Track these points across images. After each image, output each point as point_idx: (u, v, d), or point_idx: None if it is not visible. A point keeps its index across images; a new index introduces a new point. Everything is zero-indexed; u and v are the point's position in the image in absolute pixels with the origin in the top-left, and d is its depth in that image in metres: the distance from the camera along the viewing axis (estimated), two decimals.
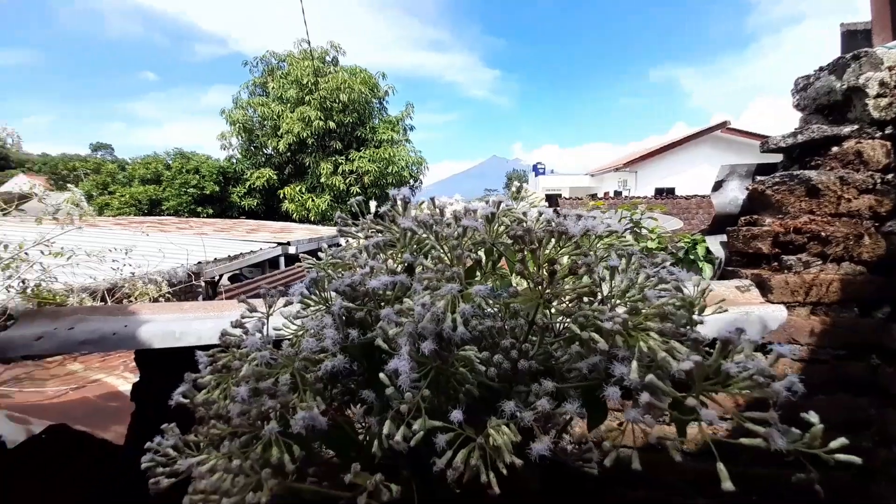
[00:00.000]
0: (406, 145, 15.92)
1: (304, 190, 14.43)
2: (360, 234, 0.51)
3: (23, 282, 2.82)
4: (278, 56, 15.73)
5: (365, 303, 0.45)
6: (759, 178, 1.25)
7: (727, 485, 0.29)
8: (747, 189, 1.29)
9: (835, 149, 1.13)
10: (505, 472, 0.35)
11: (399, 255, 0.45)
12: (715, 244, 1.40)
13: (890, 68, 1.08)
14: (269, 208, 14.97)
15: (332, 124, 14.32)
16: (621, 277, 0.42)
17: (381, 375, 0.38)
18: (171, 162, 14.76)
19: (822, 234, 1.10)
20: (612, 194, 16.12)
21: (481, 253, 0.45)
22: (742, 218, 1.21)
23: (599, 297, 0.41)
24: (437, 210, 0.47)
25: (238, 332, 0.51)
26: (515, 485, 0.51)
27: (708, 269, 1.87)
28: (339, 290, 0.44)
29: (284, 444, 0.40)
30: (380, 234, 0.48)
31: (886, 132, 1.10)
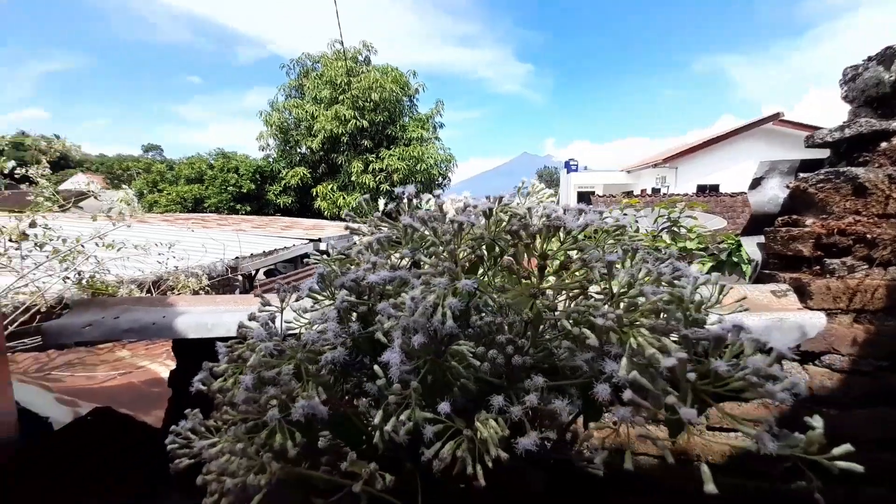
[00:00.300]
0: (435, 143, 16.03)
1: (335, 188, 14.82)
2: (366, 231, 0.52)
3: (79, 273, 3.04)
4: (313, 58, 16.19)
5: (369, 297, 0.46)
6: (802, 175, 1.18)
7: (709, 487, 0.28)
8: (788, 187, 1.22)
9: (884, 144, 1.05)
10: (490, 465, 0.35)
11: (401, 251, 0.46)
12: (751, 245, 1.33)
13: None
14: (303, 206, 15.47)
15: (364, 123, 14.61)
16: (624, 273, 0.41)
17: (376, 367, 0.39)
18: (213, 162, 15.57)
19: (869, 236, 1.02)
20: (649, 191, 15.53)
21: (485, 249, 0.46)
22: (779, 218, 1.15)
23: (597, 292, 0.40)
24: (437, 207, 0.48)
25: (254, 324, 0.54)
26: (519, 484, 0.51)
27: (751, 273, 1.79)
28: (343, 284, 0.46)
29: (289, 431, 0.42)
30: (384, 231, 0.49)
31: None
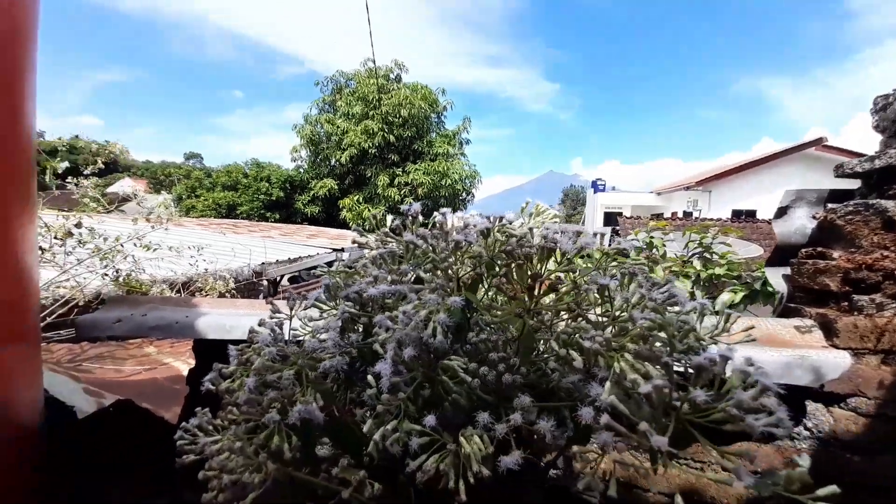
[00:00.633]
0: (461, 159, 16.27)
1: (360, 200, 15.19)
2: (373, 245, 0.54)
3: (116, 271, 3.19)
4: (346, 75, 16.83)
5: (371, 309, 0.48)
6: (830, 206, 1.14)
7: None
8: (815, 217, 1.18)
9: None
10: (472, 480, 0.35)
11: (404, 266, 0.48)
12: (776, 277, 1.29)
13: None
14: (329, 216, 15.92)
15: (391, 137, 15.00)
16: (619, 297, 0.41)
17: (370, 377, 0.40)
18: (248, 171, 16.30)
19: None
20: (680, 214, 15.12)
21: (484, 267, 0.47)
22: (803, 250, 1.11)
23: (589, 314, 0.41)
24: (439, 225, 0.49)
25: (263, 330, 0.57)
26: None
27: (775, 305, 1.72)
28: (346, 296, 0.48)
29: (287, 434, 0.44)
30: (390, 246, 0.51)
31: None
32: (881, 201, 1.00)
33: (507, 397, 0.42)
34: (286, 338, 0.50)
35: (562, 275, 0.42)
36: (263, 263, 4.34)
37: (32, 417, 0.98)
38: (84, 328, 1.29)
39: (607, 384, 0.34)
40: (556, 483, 0.60)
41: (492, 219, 0.47)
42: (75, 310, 2.72)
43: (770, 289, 1.90)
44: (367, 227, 0.56)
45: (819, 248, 1.07)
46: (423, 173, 15.00)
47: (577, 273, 0.42)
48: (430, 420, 0.38)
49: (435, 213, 0.55)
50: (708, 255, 2.41)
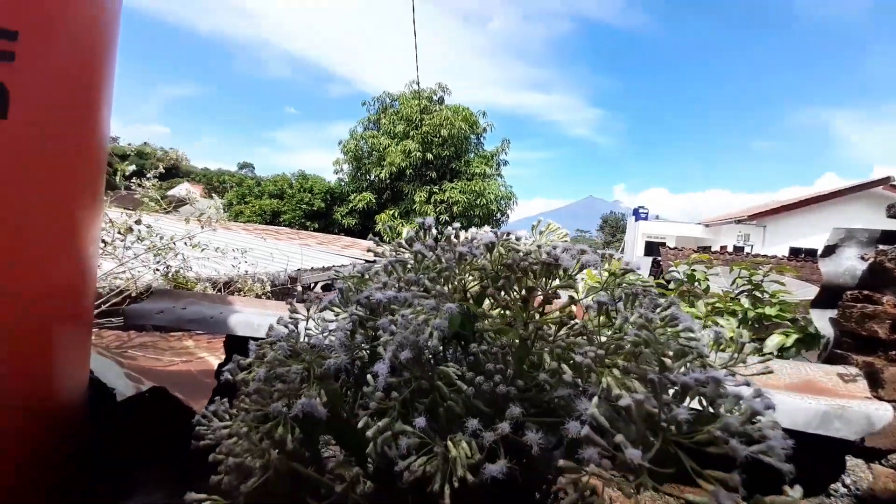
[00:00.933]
0: (497, 179, 16.38)
1: (396, 215, 15.55)
2: (388, 254, 0.57)
3: (167, 267, 3.42)
4: (392, 96, 17.49)
5: (380, 313, 0.50)
6: (881, 247, 1.07)
7: None
8: (863, 258, 1.10)
9: None
10: (456, 484, 0.36)
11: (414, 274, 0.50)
12: (822, 320, 1.20)
13: None
14: (365, 228, 16.40)
15: (429, 156, 15.36)
16: (621, 316, 0.41)
17: (368, 377, 0.42)
18: (294, 181, 17.11)
19: None
20: (729, 248, 14.34)
21: (490, 280, 0.48)
22: (850, 292, 1.04)
23: (593, 332, 0.41)
24: (446, 238, 0.51)
25: (280, 327, 0.60)
26: None
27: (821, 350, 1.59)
28: (358, 301, 0.50)
29: (292, 427, 0.46)
30: (401, 256, 0.53)
31: None
32: None
33: (502, 409, 0.43)
34: (300, 336, 0.53)
35: (566, 291, 0.42)
36: (299, 269, 4.51)
37: (78, 394, 1.05)
38: (131, 316, 1.39)
39: (595, 399, 0.34)
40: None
41: (498, 234, 0.48)
42: (127, 300, 2.93)
43: (812, 331, 1.77)
44: (384, 238, 0.59)
45: (867, 292, 1.00)
46: (460, 192, 15.21)
47: (581, 290, 0.42)
48: (420, 422, 0.39)
49: (448, 228, 0.57)
50: (758, 294, 2.27)
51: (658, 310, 0.42)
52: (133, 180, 3.50)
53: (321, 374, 0.47)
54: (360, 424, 0.41)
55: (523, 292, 0.41)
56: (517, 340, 0.42)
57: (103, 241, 3.03)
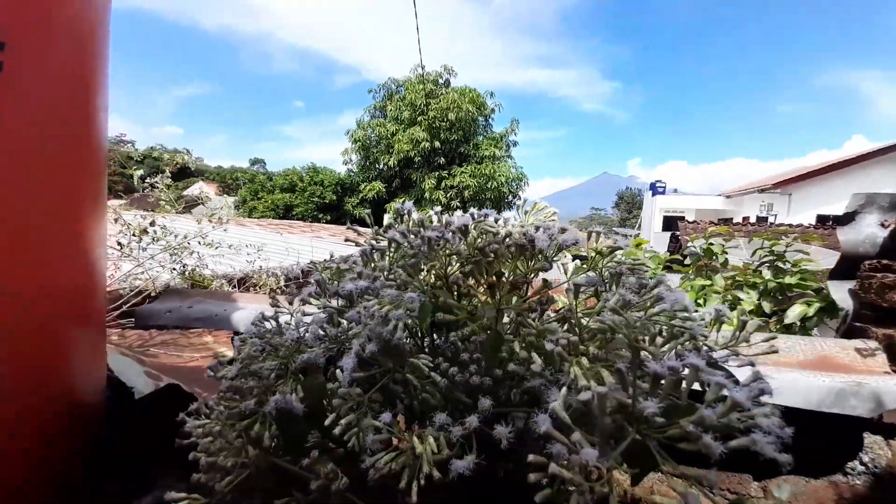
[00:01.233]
0: (507, 161, 16.15)
1: (406, 203, 15.62)
2: (364, 243, 0.55)
3: (183, 266, 3.50)
4: (397, 82, 17.30)
5: (355, 305, 0.48)
6: None
7: None
8: (884, 225, 1.03)
9: None
10: (422, 482, 0.34)
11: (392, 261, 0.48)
12: (841, 292, 1.14)
13: None
14: (377, 217, 16.51)
15: (437, 143, 15.21)
16: (603, 298, 0.38)
17: (337, 372, 0.41)
18: (304, 174, 17.26)
19: None
20: (753, 220, 13.85)
21: (468, 265, 0.45)
22: (868, 262, 0.97)
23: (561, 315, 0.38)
24: (419, 223, 0.49)
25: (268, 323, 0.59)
26: None
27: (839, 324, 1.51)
28: (335, 293, 0.48)
29: (271, 423, 0.45)
30: (380, 244, 0.51)
31: None
32: None
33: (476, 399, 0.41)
34: (277, 330, 0.52)
35: (544, 273, 0.39)
36: (312, 262, 4.56)
37: (94, 394, 1.08)
38: (142, 317, 1.42)
39: (563, 389, 0.31)
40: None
41: (475, 216, 0.46)
42: (147, 300, 3.02)
43: (824, 304, 1.69)
44: (363, 225, 0.57)
45: (886, 261, 0.94)
46: (470, 176, 15.06)
47: (568, 272, 0.39)
48: (385, 417, 0.37)
49: (431, 212, 0.54)
50: (780, 265, 2.18)
51: (645, 290, 0.39)
52: (148, 181, 3.59)
53: (298, 370, 0.46)
54: (326, 422, 0.39)
55: (492, 278, 0.39)
56: (488, 329, 0.39)
57: (119, 243, 3.10)
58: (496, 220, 0.47)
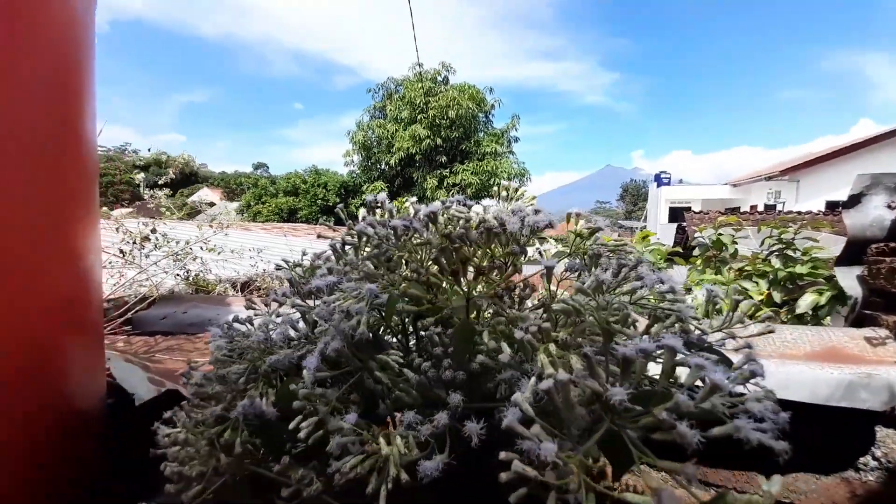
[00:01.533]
0: (509, 157, 16.11)
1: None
2: (337, 238, 0.53)
3: (187, 271, 3.52)
4: (396, 81, 17.30)
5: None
6: None
7: None
8: (891, 206, 0.99)
9: None
10: (390, 485, 0.32)
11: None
12: (849, 278, 1.10)
13: None
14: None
15: (438, 140, 15.19)
16: (579, 281, 0.36)
17: (304, 372, 0.39)
18: (306, 177, 17.36)
19: None
20: (760, 208, 13.65)
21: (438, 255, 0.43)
22: (875, 245, 0.94)
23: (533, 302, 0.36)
24: (388, 212, 0.47)
25: (239, 325, 0.57)
26: None
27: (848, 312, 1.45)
28: (310, 291, 0.46)
29: (239, 428, 0.44)
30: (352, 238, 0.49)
31: None
32: None
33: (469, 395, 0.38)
34: (246, 332, 0.50)
35: (495, 258, 0.37)
36: (284, 260, 4.58)
37: (94, 401, 1.07)
38: (138, 324, 1.42)
39: (532, 380, 0.29)
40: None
41: (445, 202, 0.43)
42: (150, 306, 3.03)
43: (836, 292, 1.63)
44: (338, 220, 0.55)
45: (891, 244, 0.90)
46: (472, 173, 15.04)
47: (537, 255, 0.37)
48: (350, 418, 0.35)
49: (408, 202, 0.52)
50: (789, 253, 2.12)
51: (624, 271, 0.36)
52: (148, 190, 3.60)
53: (270, 373, 0.44)
54: (291, 426, 0.37)
55: (457, 264, 0.36)
56: (450, 319, 0.37)
57: (121, 251, 3.12)
58: (470, 207, 0.45)
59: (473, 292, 0.38)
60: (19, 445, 0.78)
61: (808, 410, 0.73)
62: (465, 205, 0.44)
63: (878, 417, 0.77)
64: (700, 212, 11.74)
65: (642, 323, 0.41)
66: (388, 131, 16.14)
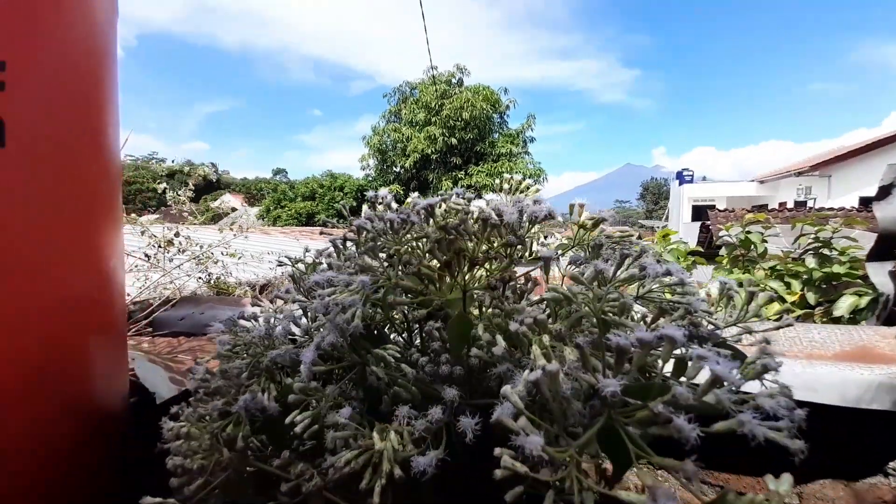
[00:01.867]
0: (525, 158, 16.00)
1: None
2: (338, 234, 0.53)
3: (209, 275, 3.61)
4: (411, 84, 17.43)
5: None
6: None
7: None
8: None
9: None
10: (383, 481, 0.32)
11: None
12: (881, 274, 1.04)
13: None
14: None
15: (453, 141, 15.22)
16: (578, 272, 0.35)
17: (301, 366, 0.38)
18: (323, 182, 17.70)
19: None
20: (790, 205, 13.14)
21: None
22: None
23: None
24: (386, 206, 0.46)
25: (246, 322, 0.58)
26: None
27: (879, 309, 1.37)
28: (309, 287, 0.46)
29: (242, 422, 0.44)
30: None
31: None
32: None
33: (470, 389, 0.38)
34: (251, 329, 0.50)
35: (489, 249, 0.36)
36: (286, 257, 4.67)
37: (117, 400, 1.10)
38: (158, 325, 1.46)
39: (525, 373, 0.28)
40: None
41: (444, 195, 0.43)
42: (172, 307, 3.12)
43: (877, 294, 1.54)
44: (340, 218, 0.55)
45: None
46: (486, 175, 15.00)
47: (531, 248, 0.36)
48: (345, 412, 0.35)
49: (410, 198, 0.52)
50: (826, 252, 2.01)
51: (627, 261, 0.35)
52: (171, 195, 3.73)
53: (271, 367, 0.44)
54: (287, 420, 0.37)
55: (450, 255, 0.36)
56: (452, 313, 0.36)
57: (146, 254, 3.22)
58: (470, 200, 0.44)
59: (471, 285, 0.37)
60: (42, 444, 0.80)
61: (836, 413, 0.69)
62: (463, 197, 0.43)
63: None
64: (725, 210, 11.37)
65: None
66: (403, 135, 16.29)
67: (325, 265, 0.45)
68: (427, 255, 0.38)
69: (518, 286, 0.39)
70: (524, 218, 0.36)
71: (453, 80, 16.95)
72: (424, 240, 0.40)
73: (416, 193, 0.50)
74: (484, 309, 0.38)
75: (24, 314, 0.77)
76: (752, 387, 0.34)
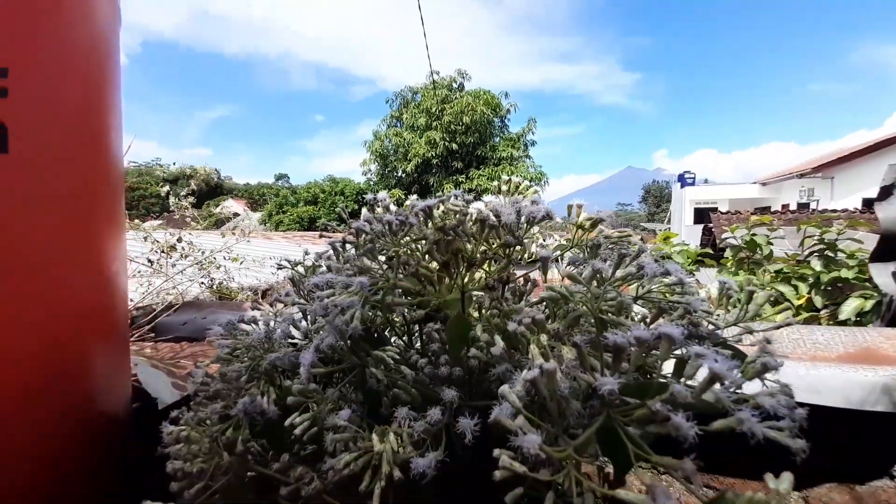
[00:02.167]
0: (526, 161, 16.06)
1: None
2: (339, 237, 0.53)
3: (211, 279, 3.61)
4: (413, 89, 17.54)
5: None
6: None
7: None
8: None
9: None
10: (383, 483, 0.31)
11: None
12: (884, 275, 1.04)
13: None
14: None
15: (454, 146, 15.29)
16: (576, 272, 0.34)
17: (301, 368, 0.38)
18: (325, 186, 17.81)
19: None
20: (793, 207, 13.10)
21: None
22: None
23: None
24: (383, 209, 0.46)
25: (246, 326, 0.58)
26: None
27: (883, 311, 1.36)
28: (309, 290, 0.46)
29: (241, 426, 0.44)
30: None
31: None
32: None
33: (469, 391, 0.37)
34: (249, 332, 0.50)
35: (486, 249, 0.36)
36: (286, 260, 4.68)
37: (119, 405, 1.09)
38: (160, 330, 1.46)
39: (524, 373, 0.28)
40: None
41: (442, 197, 0.43)
42: (174, 312, 3.12)
43: (883, 297, 1.53)
44: (341, 220, 0.55)
45: None
46: (488, 178, 15.05)
47: (527, 248, 0.36)
48: (344, 414, 0.34)
49: (408, 200, 0.52)
50: (831, 254, 1.99)
51: (626, 261, 0.35)
52: (174, 200, 3.74)
53: (269, 370, 0.44)
54: (287, 422, 0.37)
55: (448, 256, 0.36)
56: (450, 314, 0.36)
57: (149, 260, 3.23)
58: (468, 202, 0.44)
59: (469, 286, 0.37)
60: (44, 447, 0.80)
61: (840, 415, 0.69)
62: (462, 199, 0.43)
63: None
64: (728, 212, 11.32)
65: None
66: (404, 139, 16.37)
67: (324, 268, 0.45)
68: (425, 256, 0.38)
69: (517, 287, 0.39)
70: (522, 219, 0.36)
71: (454, 85, 17.04)
72: (423, 241, 0.40)
73: (415, 196, 0.50)
74: (483, 310, 0.38)
75: (27, 318, 0.77)
76: (753, 387, 0.34)
